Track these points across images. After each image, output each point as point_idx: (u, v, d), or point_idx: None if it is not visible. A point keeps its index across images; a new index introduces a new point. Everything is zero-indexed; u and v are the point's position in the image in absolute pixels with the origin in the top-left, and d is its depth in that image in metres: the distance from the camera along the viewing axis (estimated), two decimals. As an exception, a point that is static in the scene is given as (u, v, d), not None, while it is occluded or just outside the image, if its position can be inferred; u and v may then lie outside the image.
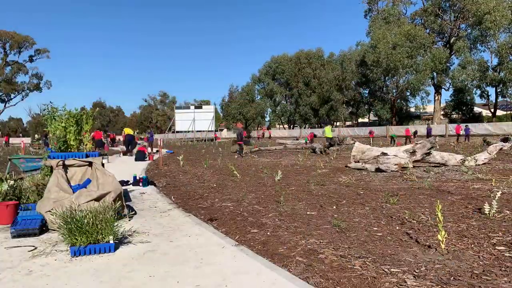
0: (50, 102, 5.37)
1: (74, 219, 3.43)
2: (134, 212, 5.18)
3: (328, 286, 2.62)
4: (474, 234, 3.74)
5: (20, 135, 71.50)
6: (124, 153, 18.54)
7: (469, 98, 46.39)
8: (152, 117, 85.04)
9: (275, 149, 20.40)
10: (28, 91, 62.89)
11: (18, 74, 61.70)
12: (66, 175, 4.81)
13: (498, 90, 41.36)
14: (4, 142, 39.13)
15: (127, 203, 5.68)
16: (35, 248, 3.60)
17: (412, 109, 49.74)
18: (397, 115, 47.60)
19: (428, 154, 9.81)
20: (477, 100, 46.46)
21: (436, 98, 45.33)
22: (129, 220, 4.73)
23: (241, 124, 19.92)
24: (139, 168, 11.61)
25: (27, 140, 43.17)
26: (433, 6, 43.44)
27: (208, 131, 43.54)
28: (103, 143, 22.67)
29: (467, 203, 5.20)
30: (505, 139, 14.43)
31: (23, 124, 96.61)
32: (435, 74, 43.79)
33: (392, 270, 2.87)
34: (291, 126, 63.98)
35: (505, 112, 49.29)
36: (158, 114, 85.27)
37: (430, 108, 48.40)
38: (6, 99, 61.54)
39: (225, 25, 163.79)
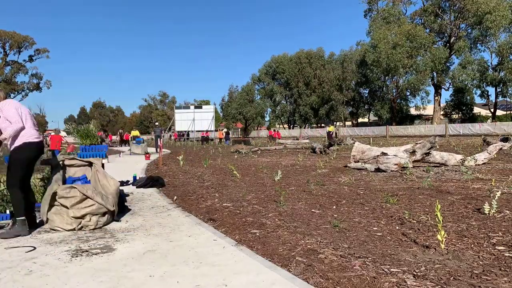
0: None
1: None
2: (129, 212, 5.17)
3: (328, 286, 2.62)
4: (474, 234, 3.74)
5: None
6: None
7: (469, 98, 46.39)
8: (152, 117, 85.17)
9: (275, 149, 20.41)
10: (28, 91, 62.85)
11: (17, 74, 61.70)
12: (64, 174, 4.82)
13: (498, 90, 41.36)
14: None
15: (125, 204, 5.69)
16: (34, 248, 3.60)
17: (412, 109, 49.70)
18: (397, 115, 47.58)
19: (428, 154, 9.81)
20: (477, 100, 46.50)
21: (436, 98, 45.30)
22: (119, 221, 4.69)
23: (241, 124, 20.93)
24: (139, 168, 11.62)
25: None
26: (433, 6, 43.39)
27: (208, 131, 43.56)
28: (103, 140, 23.02)
29: (467, 203, 5.19)
30: (505, 139, 14.43)
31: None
32: (435, 74, 43.75)
33: (392, 270, 2.86)
34: (291, 126, 63.92)
35: (505, 112, 49.28)
36: (158, 114, 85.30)
37: (430, 108, 48.37)
38: (6, 99, 61.46)
39: (225, 24, 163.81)
